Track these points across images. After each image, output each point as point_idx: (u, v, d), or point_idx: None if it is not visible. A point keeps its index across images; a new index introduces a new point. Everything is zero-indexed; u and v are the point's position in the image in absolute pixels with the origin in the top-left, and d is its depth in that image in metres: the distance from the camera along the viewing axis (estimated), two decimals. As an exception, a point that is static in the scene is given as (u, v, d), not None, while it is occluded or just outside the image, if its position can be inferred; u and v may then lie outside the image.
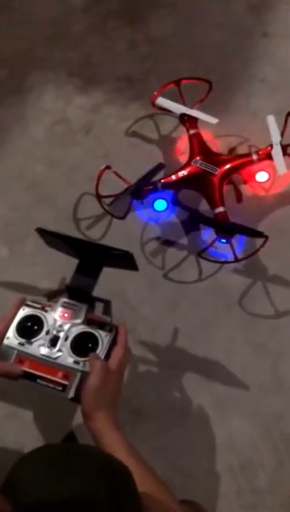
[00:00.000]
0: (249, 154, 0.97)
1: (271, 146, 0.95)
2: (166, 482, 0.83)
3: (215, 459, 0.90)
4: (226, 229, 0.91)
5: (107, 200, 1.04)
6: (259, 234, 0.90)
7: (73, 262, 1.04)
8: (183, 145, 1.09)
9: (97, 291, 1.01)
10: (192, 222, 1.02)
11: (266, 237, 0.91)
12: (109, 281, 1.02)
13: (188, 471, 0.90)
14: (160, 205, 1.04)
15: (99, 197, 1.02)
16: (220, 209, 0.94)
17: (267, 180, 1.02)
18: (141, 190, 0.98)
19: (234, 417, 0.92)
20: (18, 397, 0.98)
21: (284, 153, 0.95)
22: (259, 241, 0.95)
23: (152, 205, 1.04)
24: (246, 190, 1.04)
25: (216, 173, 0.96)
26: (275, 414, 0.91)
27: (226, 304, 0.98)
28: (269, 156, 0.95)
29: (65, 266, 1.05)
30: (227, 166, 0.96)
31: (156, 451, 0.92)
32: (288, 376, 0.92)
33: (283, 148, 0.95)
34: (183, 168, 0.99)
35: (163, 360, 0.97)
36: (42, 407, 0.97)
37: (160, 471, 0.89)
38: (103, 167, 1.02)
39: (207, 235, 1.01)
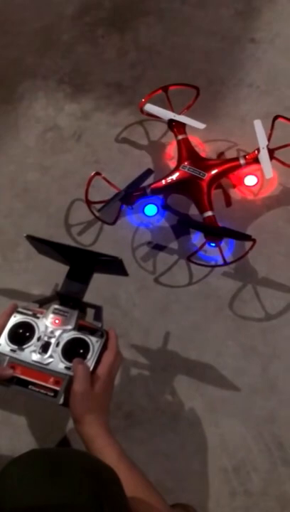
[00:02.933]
0: (236, 159, 0.98)
1: (259, 150, 0.96)
2: (159, 485, 0.84)
3: (207, 461, 0.90)
4: (214, 233, 0.92)
5: (98, 206, 1.05)
6: (248, 237, 0.91)
7: (65, 269, 1.05)
8: (172, 150, 1.10)
9: (89, 297, 1.02)
10: (182, 226, 1.03)
11: (255, 241, 0.92)
12: (100, 287, 1.03)
13: (181, 474, 0.91)
14: (151, 210, 1.05)
15: (88, 203, 1.03)
16: (209, 213, 0.95)
17: (256, 184, 1.03)
18: (131, 195, 0.99)
19: (226, 420, 0.92)
20: (11, 402, 0.98)
21: (271, 157, 0.96)
22: (248, 244, 0.96)
23: (142, 210, 1.05)
24: (235, 194, 1.05)
25: (204, 177, 0.96)
26: (267, 417, 0.91)
27: (217, 307, 0.99)
28: (256, 160, 0.96)
29: (56, 272, 1.06)
30: (215, 171, 0.97)
31: (149, 454, 0.92)
32: (279, 378, 0.93)
33: (270, 152, 0.96)
34: (171, 173, 1.00)
35: (155, 364, 0.97)
36: (35, 412, 0.98)
37: (154, 475, 0.90)
38: (92, 173, 1.03)
39: (197, 239, 1.02)
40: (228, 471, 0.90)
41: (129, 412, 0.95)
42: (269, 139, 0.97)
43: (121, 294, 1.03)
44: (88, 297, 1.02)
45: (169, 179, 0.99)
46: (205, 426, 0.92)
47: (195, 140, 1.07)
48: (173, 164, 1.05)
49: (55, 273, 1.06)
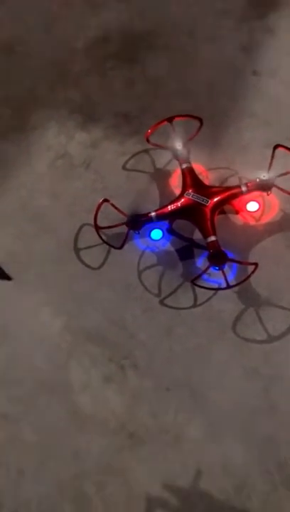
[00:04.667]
0: (238, 186, 1.02)
1: (259, 178, 1.00)
2: (164, 504, 0.87)
3: (209, 481, 0.92)
4: (218, 256, 0.95)
5: (106, 231, 1.09)
6: (249, 262, 0.95)
7: (72, 289, 1.10)
8: (176, 178, 1.14)
9: (94, 318, 1.07)
10: (187, 251, 1.07)
11: (256, 265, 0.95)
12: (108, 308, 1.07)
13: (184, 492, 0.93)
14: (157, 234, 1.09)
15: (97, 228, 1.07)
16: (212, 238, 0.98)
17: (257, 210, 1.06)
18: (137, 221, 1.03)
19: (227, 440, 0.94)
20: (19, 420, 1.02)
21: (271, 185, 1.00)
22: (250, 268, 0.99)
23: (148, 235, 1.09)
24: (237, 219, 1.09)
25: (207, 204, 1.01)
26: (267, 438, 0.93)
27: (220, 329, 1.02)
28: (257, 188, 1.00)
29: (64, 293, 1.10)
30: (218, 198, 1.01)
31: (152, 473, 0.95)
32: (280, 400, 0.95)
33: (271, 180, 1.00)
34: (176, 199, 1.04)
35: (159, 384, 1.00)
36: (43, 430, 1.01)
37: (158, 492, 0.92)
38: (101, 200, 1.08)
39: (201, 262, 1.05)
40: (229, 490, 0.92)
41: (133, 432, 0.98)
42: (269, 167, 1.01)
43: (127, 316, 1.06)
44: (95, 318, 1.07)
45: (174, 205, 1.03)
46: (207, 445, 0.95)
47: (198, 168, 1.12)
48: (177, 191, 1.09)
49: (62, 294, 1.10)
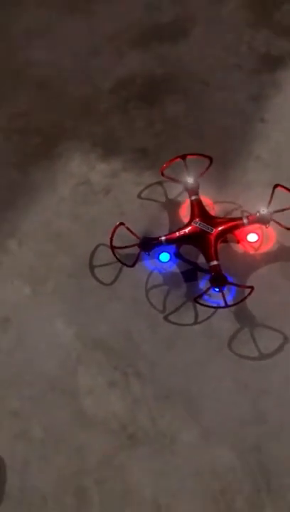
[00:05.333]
0: (240, 218, 1.14)
1: (259, 212, 1.13)
2: (154, 502, 0.96)
3: (198, 482, 1.01)
4: (219, 279, 1.07)
5: (120, 251, 1.22)
6: (246, 285, 1.06)
7: (85, 302, 1.21)
8: (185, 208, 1.27)
9: (104, 329, 1.18)
10: (191, 273, 1.19)
11: (252, 288, 1.07)
12: (116, 321, 1.18)
13: (174, 492, 1.01)
14: (165, 257, 1.21)
15: (112, 248, 1.20)
16: (214, 262, 1.10)
17: (257, 240, 1.19)
18: (149, 243, 1.16)
19: (218, 446, 1.04)
20: (28, 418, 1.11)
21: (270, 219, 1.13)
22: (247, 291, 1.11)
23: (157, 257, 1.21)
24: (238, 248, 1.21)
25: (212, 232, 1.13)
26: (254, 446, 1.03)
27: (217, 345, 1.12)
28: (257, 221, 1.13)
29: (79, 306, 1.22)
30: (222, 227, 1.14)
31: (147, 472, 1.04)
32: (267, 412, 1.05)
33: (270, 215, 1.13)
34: (184, 227, 1.17)
35: (159, 392, 1.10)
36: (49, 428, 1.10)
37: (150, 491, 1.01)
38: (117, 223, 1.21)
39: (204, 284, 1.17)
40: (216, 492, 1.00)
41: (133, 433, 1.07)
42: (269, 204, 1.14)
43: (133, 329, 1.17)
44: (104, 329, 1.18)
45: (182, 232, 1.16)
46: (199, 450, 1.04)
47: (206, 200, 1.24)
48: (186, 220, 1.21)
49: (76, 306, 1.22)
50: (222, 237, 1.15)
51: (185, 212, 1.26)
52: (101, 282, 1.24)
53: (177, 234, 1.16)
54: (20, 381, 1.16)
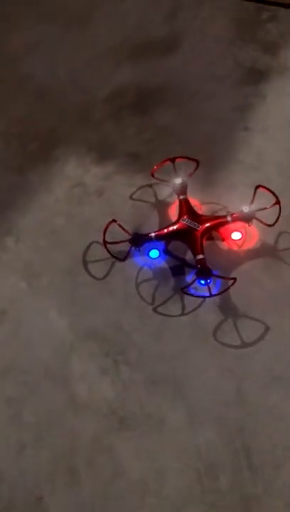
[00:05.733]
0: (225, 216, 1.23)
1: (242, 211, 1.21)
2: (141, 481, 1.01)
3: (184, 461, 1.07)
4: (204, 271, 1.15)
5: (112, 248, 1.29)
6: (229, 277, 1.14)
7: (78, 295, 1.28)
8: (174, 208, 1.35)
9: (96, 320, 1.25)
10: (179, 268, 1.26)
11: (235, 279, 1.15)
12: (108, 313, 1.25)
13: (161, 470, 1.07)
14: (154, 253, 1.28)
15: (105, 243, 1.27)
16: (200, 256, 1.18)
17: (240, 238, 1.27)
18: (139, 239, 1.24)
19: (203, 427, 1.10)
20: (22, 402, 1.17)
21: (252, 217, 1.21)
22: (230, 283, 1.19)
23: (147, 254, 1.29)
24: (223, 245, 1.29)
25: (198, 228, 1.21)
26: (237, 426, 1.09)
27: (202, 335, 1.19)
28: (240, 218, 1.21)
29: (73, 299, 1.29)
30: (208, 224, 1.22)
31: (136, 451, 1.10)
32: (249, 395, 1.12)
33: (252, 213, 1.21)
34: (173, 224, 1.25)
35: (148, 378, 1.16)
36: (43, 412, 1.16)
37: (139, 469, 1.07)
38: (110, 220, 1.28)
39: (190, 278, 1.24)
40: (201, 471, 1.06)
41: (122, 417, 1.13)
42: (251, 203, 1.22)
43: (124, 320, 1.24)
44: (96, 320, 1.24)
45: (171, 228, 1.24)
46: (185, 431, 1.10)
47: (193, 201, 1.33)
48: (174, 219, 1.30)
49: (70, 298, 1.29)
50: (208, 233, 1.23)
51: (173, 212, 1.34)
52: (94, 277, 1.31)
53: (166, 230, 1.24)
54: (16, 368, 1.22)
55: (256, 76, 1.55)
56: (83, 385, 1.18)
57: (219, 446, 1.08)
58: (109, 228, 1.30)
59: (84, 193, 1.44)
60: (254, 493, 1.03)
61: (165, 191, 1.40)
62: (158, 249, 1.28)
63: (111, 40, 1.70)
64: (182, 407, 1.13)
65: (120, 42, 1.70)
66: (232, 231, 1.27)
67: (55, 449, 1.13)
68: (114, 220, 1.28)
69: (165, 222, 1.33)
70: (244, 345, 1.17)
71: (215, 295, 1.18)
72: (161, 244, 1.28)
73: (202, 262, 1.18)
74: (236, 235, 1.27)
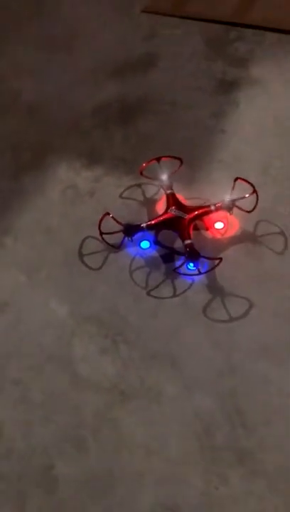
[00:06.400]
0: (209, 206, 1.36)
1: (223, 201, 1.35)
2: (144, 446, 1.10)
3: (183, 425, 1.16)
4: (193, 253, 1.27)
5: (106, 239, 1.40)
6: (215, 258, 1.26)
7: (76, 285, 1.38)
8: (161, 204, 1.47)
9: (94, 306, 1.34)
10: (169, 256, 1.38)
11: (221, 259, 1.27)
12: (105, 298, 1.35)
13: (162, 436, 1.16)
14: (145, 244, 1.40)
15: (101, 233, 1.38)
16: (188, 241, 1.30)
17: (223, 228, 1.40)
18: (131, 229, 1.35)
19: (199, 394, 1.19)
20: (28, 384, 1.25)
21: (233, 205, 1.34)
22: (217, 262, 1.31)
23: (139, 244, 1.40)
24: (207, 234, 1.41)
25: (185, 217, 1.34)
26: (229, 392, 1.19)
27: (193, 313, 1.30)
28: (222, 207, 1.35)
29: (71, 288, 1.38)
30: (194, 213, 1.35)
31: (138, 420, 1.18)
32: (238, 363, 1.22)
33: (233, 201, 1.35)
34: (162, 214, 1.37)
35: (145, 354, 1.26)
36: (48, 391, 1.24)
37: (141, 435, 1.16)
38: (104, 213, 1.40)
39: (180, 263, 1.36)
40: (198, 432, 1.16)
41: (123, 390, 1.22)
42: (231, 193, 1.36)
43: (120, 304, 1.34)
44: (94, 306, 1.34)
45: (161, 218, 1.36)
46: (182, 399, 1.19)
47: (179, 197, 1.45)
48: (162, 212, 1.42)
49: (68, 288, 1.38)
50: (194, 221, 1.35)
51: (161, 207, 1.47)
52: (90, 268, 1.41)
53: (156, 220, 1.36)
54: (20, 353, 1.31)
55: (229, 87, 1.71)
56: (85, 365, 1.27)
57: (214, 410, 1.18)
58: (103, 223, 1.42)
59: (77, 195, 1.56)
60: (248, 447, 1.12)
61: (152, 190, 1.52)
62: (149, 240, 1.40)
63: (94, 61, 1.86)
64: (178, 378, 1.23)
65: (103, 62, 1.85)
66: (215, 221, 1.40)
67: (61, 423, 1.21)
68: (107, 213, 1.40)
69: (153, 217, 1.44)
70: (231, 320, 1.28)
71: (204, 273, 1.29)
72: (151, 235, 1.39)
73: (190, 245, 1.30)
74: (219, 225, 1.40)
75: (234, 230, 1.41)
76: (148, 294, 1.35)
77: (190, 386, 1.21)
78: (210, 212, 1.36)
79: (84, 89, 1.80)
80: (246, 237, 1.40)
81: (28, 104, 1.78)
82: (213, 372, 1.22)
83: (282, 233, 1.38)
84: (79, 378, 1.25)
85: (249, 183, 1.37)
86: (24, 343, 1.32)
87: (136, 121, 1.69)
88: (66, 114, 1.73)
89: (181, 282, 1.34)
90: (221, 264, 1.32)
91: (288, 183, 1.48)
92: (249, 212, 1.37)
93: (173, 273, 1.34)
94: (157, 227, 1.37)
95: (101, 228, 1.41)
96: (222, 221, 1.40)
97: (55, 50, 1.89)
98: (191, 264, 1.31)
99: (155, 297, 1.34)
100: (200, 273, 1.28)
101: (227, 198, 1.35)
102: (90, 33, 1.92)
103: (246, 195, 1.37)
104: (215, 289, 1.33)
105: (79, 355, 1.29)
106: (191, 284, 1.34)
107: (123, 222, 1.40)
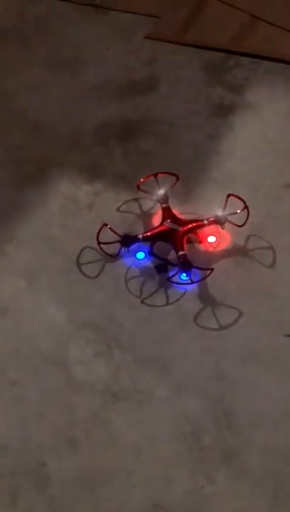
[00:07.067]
0: (202, 220, 1.44)
1: (216, 215, 1.43)
2: (134, 446, 1.15)
3: (172, 427, 1.22)
4: (186, 264, 1.34)
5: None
6: (207, 268, 1.34)
7: (74, 292, 1.44)
8: (157, 218, 1.55)
9: (91, 312, 1.40)
10: (162, 266, 1.45)
11: (212, 269, 1.34)
12: (101, 307, 1.41)
13: (151, 436, 1.21)
14: (140, 255, 1.47)
15: (99, 243, 1.45)
16: (182, 252, 1.38)
17: (215, 241, 1.47)
18: (128, 240, 1.43)
19: (188, 398, 1.25)
20: (25, 385, 1.30)
21: (225, 220, 1.43)
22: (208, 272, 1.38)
23: (134, 255, 1.47)
24: (200, 247, 1.49)
25: (180, 229, 1.42)
26: (217, 396, 1.24)
27: (185, 321, 1.36)
28: (214, 221, 1.43)
29: (69, 295, 1.45)
30: (188, 226, 1.43)
31: (129, 421, 1.23)
32: (227, 369, 1.28)
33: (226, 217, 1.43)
34: (158, 226, 1.45)
35: (137, 359, 1.32)
36: (44, 392, 1.29)
37: (132, 436, 1.21)
38: (102, 224, 1.47)
39: (173, 273, 1.43)
40: (186, 433, 1.21)
41: (116, 392, 1.28)
42: (223, 209, 1.44)
43: (116, 311, 1.40)
44: (91, 313, 1.40)
45: (156, 230, 1.44)
46: (172, 402, 1.25)
47: (174, 212, 1.53)
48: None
49: (67, 295, 1.44)
50: (188, 233, 1.43)
51: (157, 221, 1.54)
52: (87, 276, 1.48)
53: (152, 232, 1.44)
54: (18, 356, 1.36)
55: (225, 111, 1.81)
56: (80, 368, 1.33)
57: (202, 413, 1.23)
58: (101, 234, 1.49)
59: (77, 207, 1.63)
60: (234, 448, 1.18)
61: (148, 204, 1.60)
62: (144, 252, 1.47)
63: (97, 82, 1.95)
64: (168, 382, 1.28)
65: (105, 83, 1.95)
66: (208, 235, 1.47)
67: (55, 423, 1.26)
68: (105, 224, 1.47)
69: (149, 229, 1.52)
70: (221, 327, 1.35)
71: (196, 282, 1.36)
72: (147, 246, 1.46)
73: (184, 256, 1.37)
74: (211, 238, 1.47)
75: (226, 243, 1.49)
76: (143, 302, 1.41)
77: (180, 389, 1.27)
78: (203, 225, 1.44)
79: (87, 108, 1.88)
80: (237, 251, 1.47)
81: (32, 120, 1.86)
82: (203, 377, 1.28)
83: (271, 248, 1.46)
84: (74, 380, 1.31)
85: (240, 199, 1.45)
86: (23, 346, 1.38)
87: (135, 139, 1.77)
88: (69, 131, 1.81)
89: (174, 291, 1.41)
90: (212, 275, 1.39)
91: (277, 201, 1.56)
92: (240, 226, 1.45)
93: (167, 282, 1.41)
94: (153, 239, 1.44)
95: (99, 239, 1.47)
96: (214, 235, 1.47)
97: (61, 72, 1.98)
98: (184, 275, 1.38)
99: (149, 305, 1.40)
100: (192, 282, 1.35)
101: (220, 212, 1.43)
102: (95, 57, 2.01)
103: (238, 211, 1.45)
104: (206, 298, 1.39)
105: (74, 359, 1.34)
106: (183, 294, 1.41)
107: (121, 234, 1.47)
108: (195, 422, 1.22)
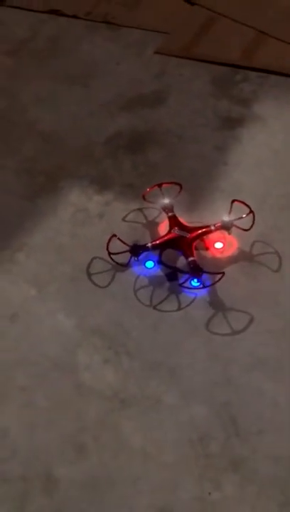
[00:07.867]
0: (209, 226, 1.46)
1: (222, 221, 1.45)
2: (142, 451, 1.18)
3: (179, 433, 1.22)
4: (197, 269, 1.37)
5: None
6: (218, 272, 1.36)
7: (84, 301, 1.46)
8: (163, 227, 1.57)
9: (99, 320, 1.42)
10: (172, 274, 1.47)
11: (223, 273, 1.37)
12: (110, 314, 1.43)
13: (159, 442, 1.22)
14: (149, 264, 1.49)
15: (109, 253, 1.48)
16: (192, 258, 1.41)
17: (222, 247, 1.49)
18: (138, 249, 1.45)
19: (195, 404, 1.25)
20: (34, 391, 1.32)
21: (231, 225, 1.45)
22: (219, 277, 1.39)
23: (144, 264, 1.49)
24: (207, 254, 1.50)
25: (188, 236, 1.45)
26: (224, 402, 1.25)
27: (193, 327, 1.37)
28: (221, 227, 1.45)
29: (78, 303, 1.47)
30: (195, 232, 1.46)
31: (137, 427, 1.24)
32: (234, 375, 1.28)
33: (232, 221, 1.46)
34: (166, 234, 1.48)
35: (145, 366, 1.33)
36: (53, 398, 1.30)
37: (140, 442, 1.22)
38: (111, 235, 1.50)
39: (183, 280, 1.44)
40: (194, 440, 1.21)
41: (124, 398, 1.29)
42: (229, 213, 1.47)
43: (124, 319, 1.42)
44: (100, 320, 1.42)
45: (165, 238, 1.46)
46: (179, 408, 1.26)
47: (181, 220, 1.55)
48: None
49: (77, 303, 1.46)
50: (196, 239, 1.45)
51: (163, 229, 1.56)
52: (97, 285, 1.49)
53: (160, 240, 1.46)
54: (27, 362, 1.38)
55: (233, 123, 1.84)
56: (88, 374, 1.34)
57: (209, 419, 1.23)
58: (110, 244, 1.51)
59: (87, 217, 1.66)
60: (241, 455, 1.18)
61: (154, 213, 1.62)
62: (153, 261, 1.49)
63: (108, 95, 1.99)
64: (176, 387, 1.29)
65: (115, 97, 1.99)
66: (215, 241, 1.49)
67: (63, 429, 1.27)
68: (114, 235, 1.50)
69: (156, 238, 1.54)
70: (229, 334, 1.36)
71: (208, 286, 1.38)
72: (155, 255, 1.48)
73: (194, 262, 1.40)
74: (218, 245, 1.50)
75: (232, 249, 1.50)
76: (153, 308, 1.43)
77: (187, 396, 1.27)
78: (210, 231, 1.46)
79: (97, 121, 1.92)
80: (244, 257, 1.49)
81: (45, 132, 1.90)
82: (209, 383, 1.29)
83: (277, 255, 1.47)
84: (82, 386, 1.32)
85: (245, 204, 1.48)
86: (32, 352, 1.39)
87: (144, 151, 1.81)
88: (80, 143, 1.85)
89: (183, 298, 1.43)
90: (220, 282, 1.40)
91: (283, 212, 1.58)
92: (246, 230, 1.47)
93: (175, 290, 1.43)
94: (162, 247, 1.46)
95: (109, 249, 1.50)
96: (221, 241, 1.49)
97: (73, 85, 2.03)
98: (195, 280, 1.40)
99: (157, 311, 1.42)
100: (204, 287, 1.37)
101: (226, 217, 1.45)
102: (106, 71, 2.06)
103: (244, 216, 1.47)
104: (214, 304, 1.41)
105: (83, 365, 1.35)
106: (192, 300, 1.42)
107: (129, 243, 1.49)
108: (203, 428, 1.22)
